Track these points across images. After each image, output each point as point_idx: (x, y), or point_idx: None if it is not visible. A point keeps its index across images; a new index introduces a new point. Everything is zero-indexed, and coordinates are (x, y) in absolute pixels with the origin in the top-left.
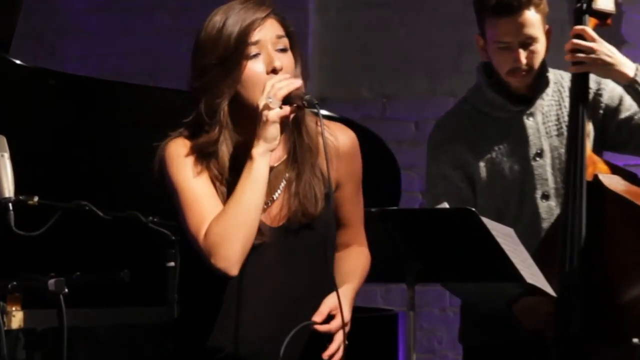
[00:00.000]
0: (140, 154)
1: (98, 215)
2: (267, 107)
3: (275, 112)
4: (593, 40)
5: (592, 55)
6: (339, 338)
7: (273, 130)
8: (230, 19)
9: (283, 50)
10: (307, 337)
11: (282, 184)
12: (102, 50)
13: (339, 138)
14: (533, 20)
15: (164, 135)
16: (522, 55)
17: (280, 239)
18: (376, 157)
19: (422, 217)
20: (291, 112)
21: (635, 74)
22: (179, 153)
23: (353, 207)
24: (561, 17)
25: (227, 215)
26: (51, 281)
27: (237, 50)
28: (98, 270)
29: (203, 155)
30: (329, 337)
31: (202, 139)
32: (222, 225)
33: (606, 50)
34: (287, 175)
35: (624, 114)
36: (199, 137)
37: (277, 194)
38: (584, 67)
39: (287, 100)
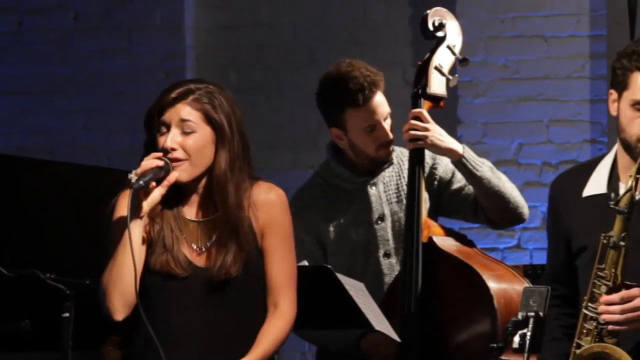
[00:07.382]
0: (40, 221)
1: (2, 273)
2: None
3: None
4: (427, 122)
5: (426, 133)
6: None
7: (136, 203)
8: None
9: (186, 133)
10: None
11: (214, 237)
12: (7, 129)
13: (262, 193)
14: (383, 100)
15: (66, 205)
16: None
17: (207, 279)
18: None
19: None
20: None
21: (463, 153)
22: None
23: (274, 262)
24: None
25: (106, 271)
26: None
27: (147, 125)
28: (1, 321)
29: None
30: None
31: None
32: (104, 278)
33: (438, 131)
34: (217, 232)
35: (455, 186)
36: None
37: (209, 244)
38: (419, 144)
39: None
